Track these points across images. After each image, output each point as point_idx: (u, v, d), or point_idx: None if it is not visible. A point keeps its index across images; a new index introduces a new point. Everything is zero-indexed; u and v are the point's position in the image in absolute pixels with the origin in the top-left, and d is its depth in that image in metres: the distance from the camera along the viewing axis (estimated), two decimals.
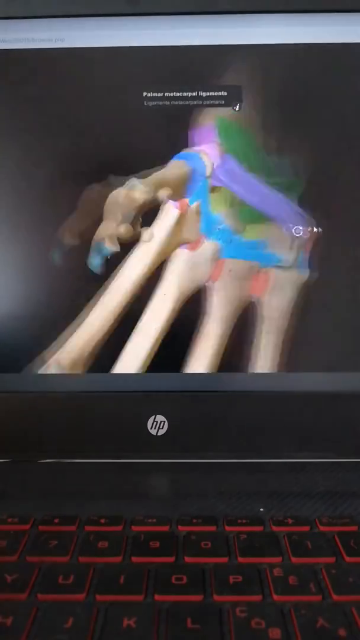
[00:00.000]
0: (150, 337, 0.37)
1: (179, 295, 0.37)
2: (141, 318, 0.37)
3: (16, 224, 0.37)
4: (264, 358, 0.37)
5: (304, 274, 0.36)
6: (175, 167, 0.35)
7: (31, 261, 0.37)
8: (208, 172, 0.35)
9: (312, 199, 0.36)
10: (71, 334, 0.38)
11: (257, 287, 0.36)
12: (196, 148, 0.36)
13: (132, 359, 0.38)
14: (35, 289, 0.38)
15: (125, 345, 0.37)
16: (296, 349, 0.37)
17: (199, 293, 0.37)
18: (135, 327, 0.37)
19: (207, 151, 0.36)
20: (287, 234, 0.36)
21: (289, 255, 0.36)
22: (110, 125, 0.36)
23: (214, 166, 0.36)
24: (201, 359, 0.37)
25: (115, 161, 0.36)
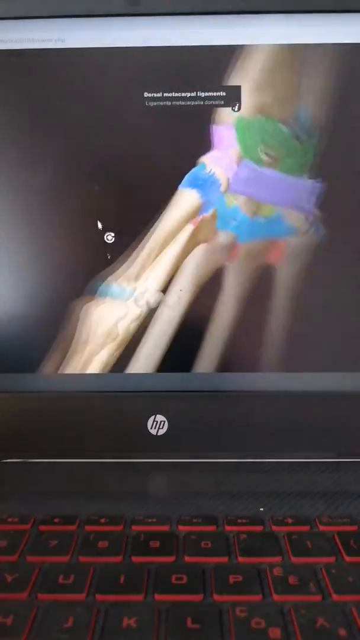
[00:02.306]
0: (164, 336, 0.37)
1: (194, 289, 0.37)
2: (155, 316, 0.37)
3: (15, 223, 0.37)
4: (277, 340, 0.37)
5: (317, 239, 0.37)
6: (184, 204, 0.35)
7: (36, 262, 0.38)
8: (223, 188, 0.35)
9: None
10: (72, 334, 0.38)
11: (273, 256, 0.36)
12: (208, 167, 0.35)
13: (145, 359, 0.38)
14: (36, 290, 0.38)
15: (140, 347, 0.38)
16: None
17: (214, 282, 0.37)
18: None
19: (219, 164, 0.35)
20: (301, 212, 0.36)
21: (303, 224, 0.36)
22: (111, 125, 0.36)
23: (230, 180, 0.36)
24: (214, 348, 0.37)
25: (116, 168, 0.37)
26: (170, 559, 0.27)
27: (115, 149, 0.36)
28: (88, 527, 0.30)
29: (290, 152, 0.36)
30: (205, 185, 0.36)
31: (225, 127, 0.36)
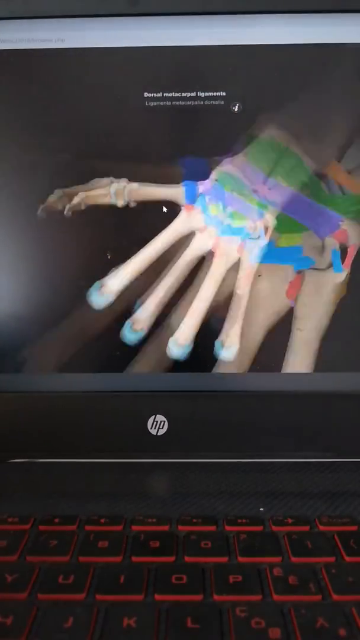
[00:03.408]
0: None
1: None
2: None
3: (13, 222, 0.37)
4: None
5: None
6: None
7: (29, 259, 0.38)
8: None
9: None
10: (74, 333, 0.38)
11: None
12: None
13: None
14: (33, 290, 0.38)
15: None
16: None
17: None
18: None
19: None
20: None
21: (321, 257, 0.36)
22: (111, 125, 0.36)
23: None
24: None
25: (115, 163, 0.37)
26: (170, 559, 0.27)
27: (116, 149, 0.36)
28: (88, 527, 0.30)
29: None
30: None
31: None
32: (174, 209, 0.37)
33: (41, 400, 0.38)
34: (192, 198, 0.36)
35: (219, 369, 0.38)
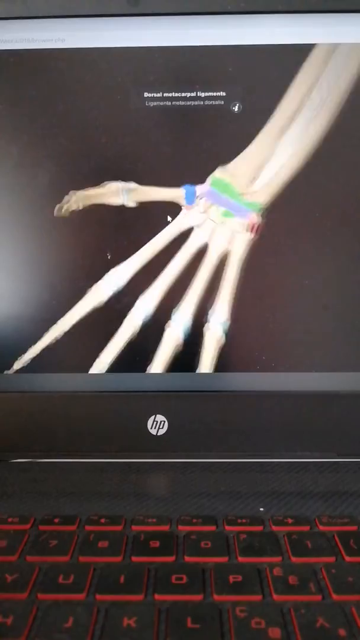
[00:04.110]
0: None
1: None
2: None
3: (12, 223, 0.37)
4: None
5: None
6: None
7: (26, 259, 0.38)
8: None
9: None
10: (72, 333, 0.38)
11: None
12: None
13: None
14: (29, 288, 0.38)
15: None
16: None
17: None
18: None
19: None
20: None
21: None
22: (111, 125, 0.36)
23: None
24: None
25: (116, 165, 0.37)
26: (170, 558, 0.27)
27: (116, 149, 0.36)
28: (88, 527, 0.30)
29: None
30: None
31: None
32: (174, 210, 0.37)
33: (41, 400, 0.38)
34: (192, 199, 0.37)
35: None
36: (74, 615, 0.24)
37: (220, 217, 0.37)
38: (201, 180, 0.37)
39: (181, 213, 0.37)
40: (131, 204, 0.37)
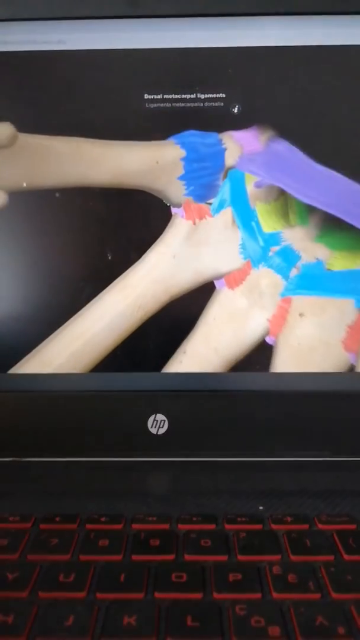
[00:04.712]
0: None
1: None
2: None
3: (11, 226, 0.37)
4: None
5: None
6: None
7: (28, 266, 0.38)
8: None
9: None
10: (72, 333, 0.38)
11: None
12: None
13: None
14: (30, 289, 0.38)
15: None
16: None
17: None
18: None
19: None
20: None
21: None
22: (111, 126, 0.36)
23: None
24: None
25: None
26: (170, 557, 0.27)
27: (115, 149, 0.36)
28: (89, 526, 0.30)
29: None
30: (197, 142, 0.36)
31: None
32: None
33: (41, 399, 0.38)
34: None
35: None
36: (75, 613, 0.24)
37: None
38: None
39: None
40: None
